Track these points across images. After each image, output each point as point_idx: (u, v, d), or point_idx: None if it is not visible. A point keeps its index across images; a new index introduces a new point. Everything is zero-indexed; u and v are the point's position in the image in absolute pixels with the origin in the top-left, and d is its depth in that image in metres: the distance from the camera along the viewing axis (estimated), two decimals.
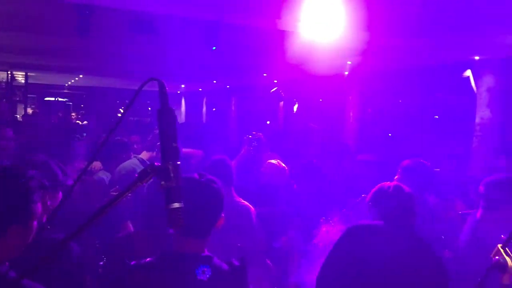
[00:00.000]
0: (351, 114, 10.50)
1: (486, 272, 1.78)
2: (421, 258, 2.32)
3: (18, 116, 16.16)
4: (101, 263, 2.60)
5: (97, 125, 12.46)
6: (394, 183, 2.72)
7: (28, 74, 15.49)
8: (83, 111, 21.96)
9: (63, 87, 21.64)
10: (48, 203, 2.30)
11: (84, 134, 7.44)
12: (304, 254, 3.24)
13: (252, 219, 3.73)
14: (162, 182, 1.26)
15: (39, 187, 1.67)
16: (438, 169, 5.17)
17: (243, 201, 3.82)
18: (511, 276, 1.78)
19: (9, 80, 15.17)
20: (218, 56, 7.91)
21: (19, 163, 2.33)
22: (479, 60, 7.45)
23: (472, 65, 7.68)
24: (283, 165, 4.74)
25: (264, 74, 11.81)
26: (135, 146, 6.08)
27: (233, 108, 16.52)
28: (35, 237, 1.72)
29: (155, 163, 1.30)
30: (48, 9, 6.00)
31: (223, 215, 1.97)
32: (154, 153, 5.02)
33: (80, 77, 16.55)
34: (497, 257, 1.81)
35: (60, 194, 2.41)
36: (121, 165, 4.75)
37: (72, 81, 18.62)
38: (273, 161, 4.78)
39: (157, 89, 1.34)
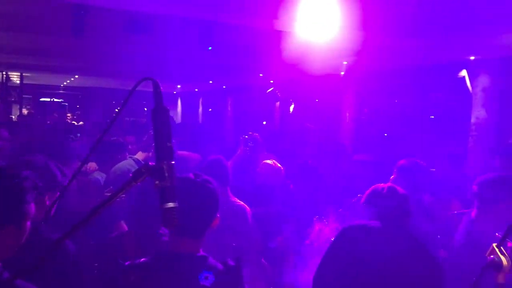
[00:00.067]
0: (347, 114, 10.52)
1: (481, 271, 1.78)
2: (416, 257, 2.32)
3: (13, 117, 16.11)
4: (96, 264, 2.59)
5: (93, 125, 12.42)
6: (388, 184, 2.73)
7: (23, 74, 15.45)
8: (79, 112, 21.91)
9: (58, 87, 21.59)
10: (47, 203, 2.30)
11: (78, 135, 7.41)
12: (299, 254, 3.24)
13: (247, 219, 3.73)
14: (157, 182, 1.26)
15: (32, 187, 1.66)
16: (434, 169, 5.18)
17: (238, 201, 3.83)
18: (506, 275, 1.78)
19: (4, 81, 15.12)
20: (214, 56, 7.91)
21: (14, 163, 2.32)
22: (474, 60, 7.48)
23: (467, 65, 7.70)
24: (279, 165, 4.74)
25: (260, 75, 11.81)
26: (129, 146, 6.06)
27: (229, 108, 16.51)
28: (29, 237, 1.72)
29: (149, 163, 1.29)
30: (43, 9, 5.98)
31: (218, 215, 1.97)
32: (150, 154, 5.01)
33: (76, 78, 16.51)
34: (492, 256, 1.81)
35: (57, 195, 2.40)
36: (116, 166, 4.74)
37: (68, 81, 18.58)
38: (268, 161, 4.78)
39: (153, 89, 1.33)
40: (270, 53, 8.16)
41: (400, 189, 2.67)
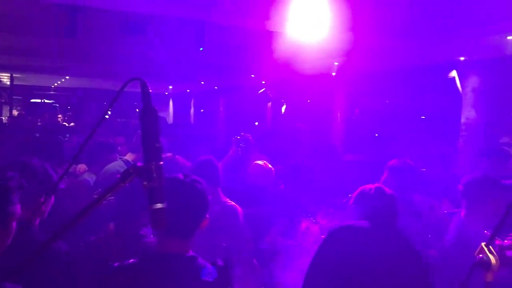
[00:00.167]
0: (339, 115, 10.55)
1: (470, 271, 1.79)
2: (404, 257, 2.33)
3: (3, 118, 15.98)
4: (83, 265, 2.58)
5: (84, 126, 12.37)
6: (376, 185, 2.74)
7: (14, 75, 15.32)
8: (70, 113, 21.78)
9: (49, 88, 21.44)
10: (43, 205, 2.29)
11: (67, 135, 7.37)
12: (288, 254, 3.25)
13: (239, 219, 3.73)
14: (145, 183, 1.26)
15: (18, 188, 1.65)
16: (424, 169, 5.21)
17: (230, 201, 3.82)
18: (494, 274, 1.79)
19: None
20: (205, 56, 7.90)
21: (10, 165, 2.30)
22: (464, 61, 7.53)
23: (457, 66, 7.75)
24: (270, 166, 4.74)
25: (252, 75, 11.81)
26: (119, 148, 6.03)
27: (221, 109, 16.50)
28: (23, 239, 1.71)
29: (138, 164, 1.29)
30: (32, 9, 5.93)
31: (207, 215, 1.96)
32: (140, 155, 5.00)
33: (67, 79, 16.40)
34: (480, 255, 1.82)
35: (53, 198, 2.40)
36: (106, 167, 4.72)
37: (59, 82, 18.46)
38: (259, 162, 4.78)
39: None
40: (261, 54, 8.16)
41: (387, 190, 2.69)
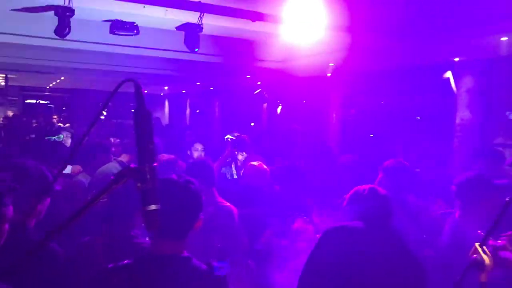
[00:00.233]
0: (334, 115, 10.56)
1: (464, 271, 1.79)
2: (399, 257, 2.34)
3: None
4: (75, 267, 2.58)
5: (79, 127, 12.33)
6: (370, 185, 2.75)
7: (8, 76, 15.25)
8: (65, 114, 21.70)
9: (44, 89, 21.36)
10: (39, 207, 2.29)
11: (62, 136, 7.34)
12: (283, 254, 3.25)
13: (234, 220, 3.73)
14: (139, 184, 1.25)
15: (9, 190, 1.64)
16: (419, 169, 5.22)
17: (225, 202, 3.82)
18: (488, 274, 1.80)
19: None
20: (201, 58, 7.89)
21: (6, 167, 2.30)
22: (458, 61, 7.56)
23: (452, 67, 7.78)
24: (265, 166, 4.74)
25: (248, 76, 11.81)
26: (113, 149, 6.02)
27: (216, 109, 16.48)
28: (14, 240, 1.70)
29: (131, 165, 1.29)
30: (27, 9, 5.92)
31: (201, 216, 1.96)
32: (134, 156, 4.98)
33: (62, 79, 16.34)
34: (475, 256, 1.83)
35: (48, 200, 2.40)
36: (101, 168, 4.71)
37: (54, 83, 18.39)
38: (254, 163, 4.78)
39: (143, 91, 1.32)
40: (257, 55, 8.17)
41: (381, 190, 2.69)
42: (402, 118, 9.23)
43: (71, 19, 5.39)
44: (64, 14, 5.31)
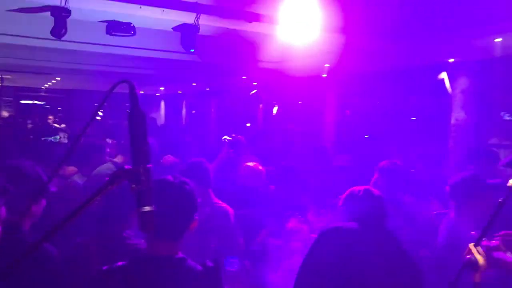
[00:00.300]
0: (330, 116, 10.57)
1: (459, 271, 1.80)
2: (394, 258, 2.34)
3: None
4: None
5: (74, 127, 12.30)
6: (364, 186, 2.76)
7: (3, 76, 15.19)
8: (61, 114, 21.61)
9: (40, 90, 21.28)
10: (32, 208, 2.28)
11: (58, 137, 7.32)
12: (278, 255, 3.26)
13: (230, 220, 3.74)
14: (133, 185, 1.25)
15: (2, 191, 1.64)
16: (414, 170, 5.24)
17: (221, 202, 3.83)
18: (482, 274, 1.81)
19: None
20: (197, 58, 7.89)
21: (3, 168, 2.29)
22: (453, 62, 7.58)
23: (447, 68, 7.80)
24: (261, 167, 4.75)
25: (244, 77, 11.82)
26: (108, 150, 6.01)
27: (212, 110, 16.48)
28: (8, 241, 1.70)
29: (126, 166, 1.29)
30: (22, 9, 5.90)
31: (197, 217, 1.96)
32: (129, 157, 4.97)
33: (58, 80, 16.29)
34: (469, 256, 1.83)
35: (44, 201, 2.39)
36: (96, 170, 4.70)
37: (49, 83, 18.32)
38: (250, 163, 4.78)
39: (137, 92, 1.33)
40: (253, 55, 8.17)
41: (376, 191, 2.70)
42: (397, 119, 9.25)
43: (67, 20, 5.38)
44: (60, 15, 5.29)
